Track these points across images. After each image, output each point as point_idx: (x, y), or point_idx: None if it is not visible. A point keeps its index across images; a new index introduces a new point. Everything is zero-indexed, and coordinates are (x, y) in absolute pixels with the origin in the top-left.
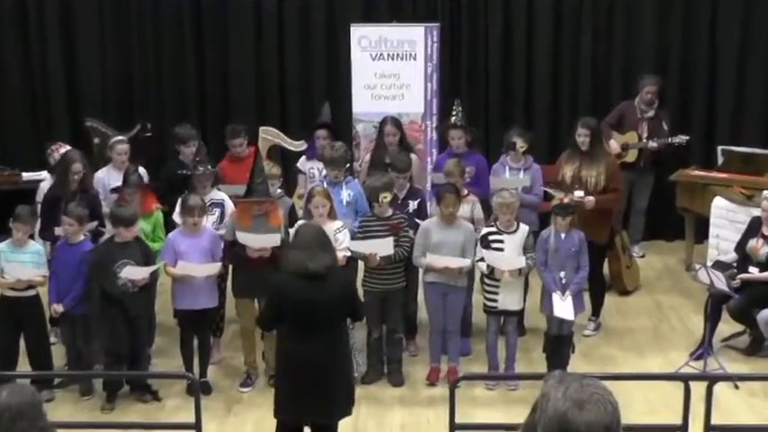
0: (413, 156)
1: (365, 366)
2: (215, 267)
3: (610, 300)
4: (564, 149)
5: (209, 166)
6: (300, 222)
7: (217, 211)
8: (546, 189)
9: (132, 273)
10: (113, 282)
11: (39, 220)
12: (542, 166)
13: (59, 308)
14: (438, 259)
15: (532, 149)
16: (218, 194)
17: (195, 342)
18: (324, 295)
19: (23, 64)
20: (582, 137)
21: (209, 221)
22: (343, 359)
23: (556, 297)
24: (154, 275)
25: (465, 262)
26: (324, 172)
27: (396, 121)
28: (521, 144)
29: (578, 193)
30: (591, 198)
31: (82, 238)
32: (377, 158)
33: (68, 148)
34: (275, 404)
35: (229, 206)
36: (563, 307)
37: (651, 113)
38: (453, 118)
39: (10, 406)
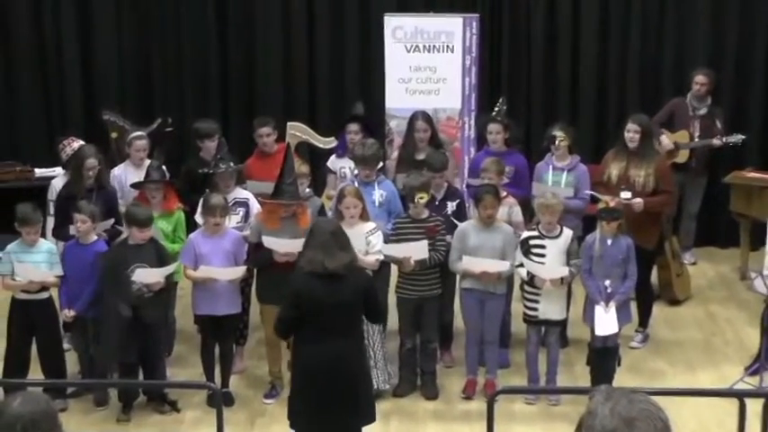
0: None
1: (397, 378)
2: (239, 271)
3: (658, 310)
4: (610, 148)
5: (232, 163)
6: (317, 219)
7: (241, 211)
8: (591, 193)
9: (144, 276)
10: (127, 287)
11: (51, 219)
12: (589, 165)
13: (70, 313)
14: (475, 262)
15: (577, 147)
16: (243, 193)
17: (217, 350)
18: (343, 295)
19: (37, 54)
20: (631, 133)
21: (232, 222)
22: (364, 361)
23: (599, 311)
24: (170, 279)
25: (504, 265)
26: (356, 171)
27: (426, 117)
28: (561, 137)
29: (625, 195)
30: (639, 200)
31: (95, 237)
32: (405, 156)
33: (81, 142)
34: (292, 413)
35: (254, 205)
36: (605, 322)
37: (703, 111)
38: (494, 113)
39: (22, 415)
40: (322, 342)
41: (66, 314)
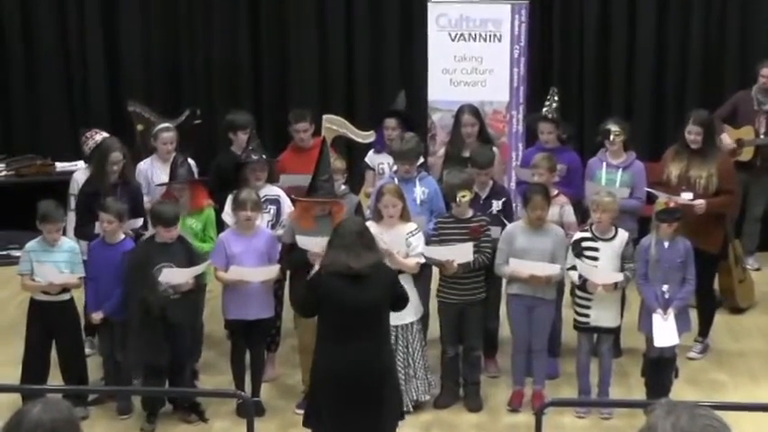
0: (494, 150)
1: (438, 388)
2: (272, 271)
3: (720, 318)
4: (668, 145)
5: (264, 156)
6: (343, 218)
7: (272, 209)
8: (649, 190)
9: (171, 276)
10: (153, 288)
11: (72, 215)
12: (645, 163)
13: (99, 315)
14: (523, 265)
15: (633, 143)
16: (274, 190)
17: (247, 356)
18: (368, 297)
19: (59, 41)
20: (693, 135)
21: (263, 220)
22: (392, 361)
23: (656, 319)
24: (199, 280)
25: (554, 269)
26: (395, 167)
27: (474, 110)
28: (616, 132)
29: (686, 196)
30: (701, 201)
31: (122, 236)
32: (452, 152)
33: (105, 135)
34: (309, 416)
35: (286, 203)
36: (664, 332)
37: None
38: (545, 109)
39: (43, 423)
40: (344, 343)
41: (95, 317)
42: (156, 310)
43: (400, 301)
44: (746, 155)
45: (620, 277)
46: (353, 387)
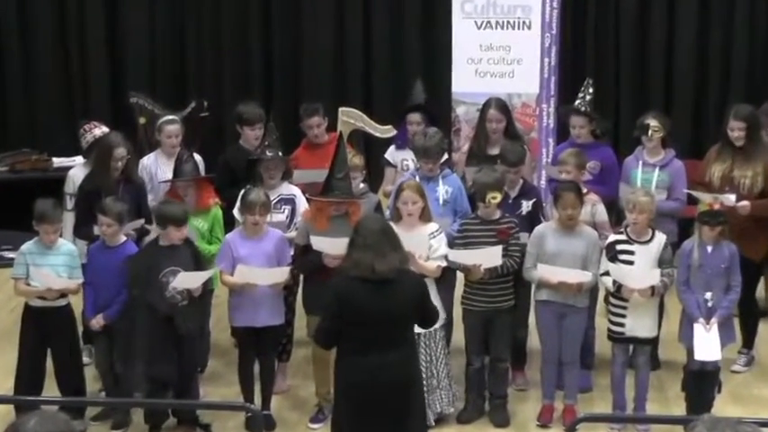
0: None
1: (462, 401)
2: (282, 273)
3: (765, 329)
4: (710, 143)
5: (280, 153)
6: (362, 216)
7: (286, 209)
8: (689, 192)
9: (186, 281)
10: (160, 294)
11: (69, 215)
12: (685, 161)
13: (99, 322)
14: (553, 271)
15: (672, 141)
16: (290, 189)
17: (256, 367)
18: (393, 303)
19: (57, 28)
20: (736, 132)
21: (274, 219)
22: (418, 373)
23: (698, 329)
24: (206, 285)
25: (586, 275)
26: (418, 165)
27: (502, 105)
28: (655, 127)
29: (729, 197)
30: (745, 203)
31: (123, 239)
32: (476, 149)
33: (105, 129)
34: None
35: (302, 203)
36: (706, 345)
37: None
38: (578, 101)
39: None
40: (367, 354)
41: (95, 323)
42: (164, 319)
43: (429, 316)
44: None
45: (656, 279)
46: (377, 400)
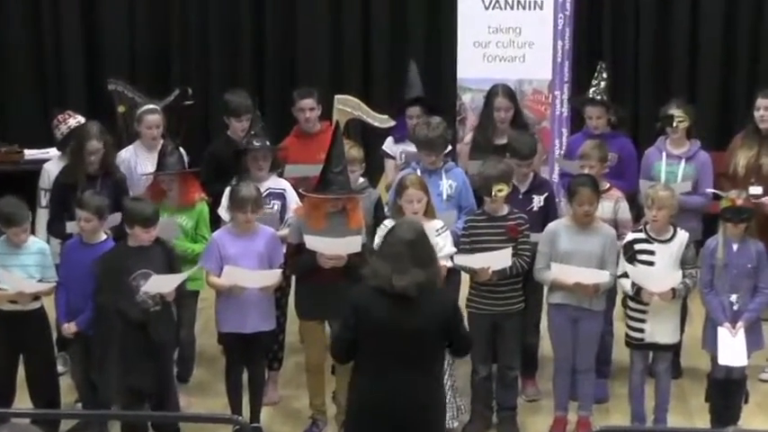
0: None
1: (468, 413)
2: (274, 275)
3: None
4: (737, 133)
5: (268, 142)
6: (397, 222)
7: (276, 205)
8: (711, 191)
9: (158, 284)
10: (129, 299)
11: (44, 212)
12: (711, 153)
13: (72, 327)
14: (568, 271)
15: (696, 131)
16: (279, 182)
17: (245, 376)
18: (413, 322)
19: (30, 10)
20: (761, 110)
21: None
22: (438, 399)
23: (723, 334)
24: (182, 289)
25: (603, 276)
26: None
27: (509, 92)
28: (680, 117)
29: (755, 190)
30: None
31: (103, 237)
32: (481, 139)
33: (81, 119)
34: None
35: (293, 198)
36: (732, 349)
37: None
38: (592, 89)
39: None
40: (384, 373)
41: (67, 329)
42: (136, 326)
43: (460, 344)
44: None
45: (678, 280)
46: (391, 424)
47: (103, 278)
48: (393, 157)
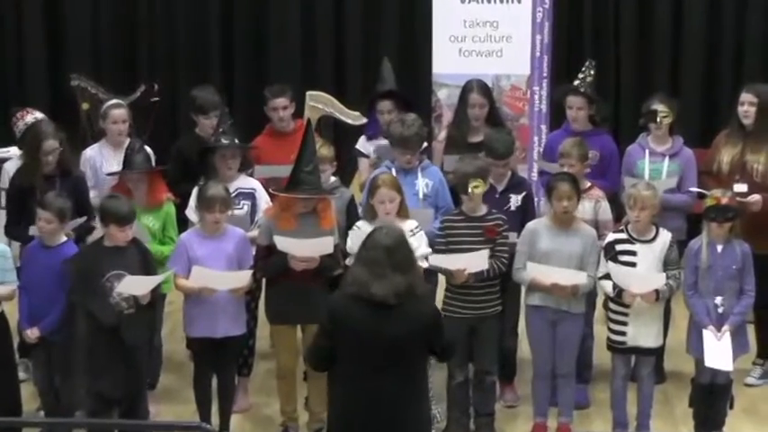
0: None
1: (445, 421)
2: (244, 277)
3: None
4: (722, 128)
5: (236, 140)
6: (376, 224)
7: (246, 205)
8: (695, 190)
9: (132, 286)
10: (102, 300)
11: (2, 213)
12: (695, 150)
13: (35, 332)
14: (545, 271)
15: (679, 127)
16: (248, 182)
17: (215, 382)
18: (392, 330)
19: None
20: (746, 105)
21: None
22: (418, 411)
23: (708, 336)
24: (157, 291)
25: (580, 277)
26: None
27: (484, 88)
28: (663, 113)
29: (740, 188)
30: (756, 197)
31: (64, 238)
32: (456, 137)
33: (39, 115)
34: None
35: (263, 198)
36: (718, 352)
37: None
38: (577, 81)
39: None
40: (362, 383)
41: (30, 334)
42: (108, 329)
43: (442, 350)
44: None
45: (661, 282)
46: None
47: (75, 278)
48: (367, 156)
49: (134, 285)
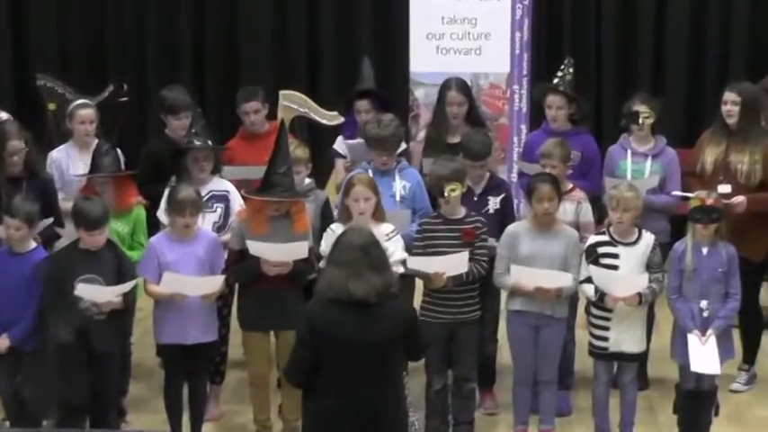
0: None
1: (423, 429)
2: (216, 282)
3: None
4: (706, 128)
5: (210, 142)
6: (347, 226)
7: (219, 208)
8: (678, 194)
9: (90, 292)
10: (73, 306)
11: None
12: (678, 151)
13: (5, 342)
14: (530, 274)
15: (662, 127)
16: (222, 184)
17: (185, 390)
18: (375, 331)
19: None
20: (729, 105)
21: (206, 222)
22: (398, 417)
23: (693, 341)
24: (130, 297)
25: (566, 278)
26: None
27: (463, 86)
28: (646, 113)
29: (724, 189)
30: (741, 198)
31: (33, 245)
32: (434, 137)
33: (4, 116)
34: None
35: (236, 201)
36: (703, 357)
37: None
38: (556, 80)
39: None
40: (345, 391)
41: (0, 344)
42: (76, 334)
43: (417, 349)
44: None
45: (644, 284)
46: None
47: (47, 283)
48: (344, 157)
49: (91, 292)
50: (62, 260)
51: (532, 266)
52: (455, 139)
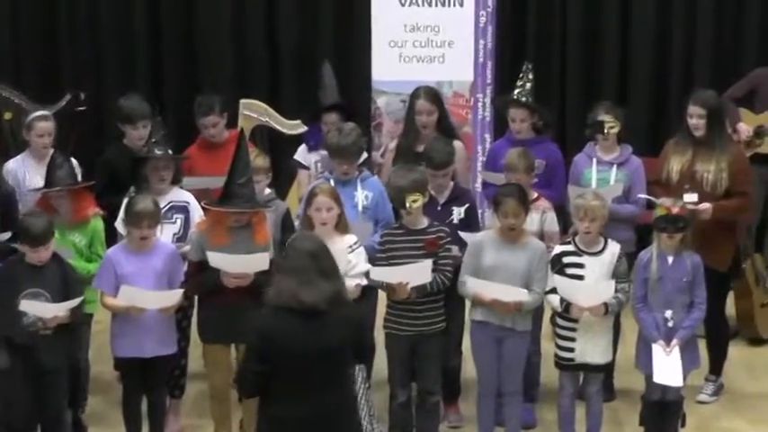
0: (457, 144)
1: None
2: (174, 296)
3: (735, 352)
4: (671, 137)
5: (170, 151)
6: (294, 235)
7: (179, 219)
8: (644, 197)
9: (35, 308)
10: (16, 320)
11: None
12: (643, 159)
13: None
14: (485, 286)
15: (628, 135)
16: (181, 194)
17: (144, 404)
18: (326, 338)
19: None
20: (694, 118)
21: (166, 233)
22: (352, 421)
23: (657, 351)
24: (79, 311)
25: (521, 294)
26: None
27: (432, 95)
28: (611, 123)
29: (690, 198)
30: (706, 205)
31: None
32: (404, 147)
33: None
34: None
35: (196, 212)
36: (667, 367)
37: None
38: (517, 90)
39: None
40: (298, 399)
41: None
42: (5, 361)
43: (364, 350)
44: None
45: (610, 293)
46: None
47: None
48: (307, 167)
49: (38, 308)
50: (7, 275)
51: (494, 278)
52: (422, 149)
